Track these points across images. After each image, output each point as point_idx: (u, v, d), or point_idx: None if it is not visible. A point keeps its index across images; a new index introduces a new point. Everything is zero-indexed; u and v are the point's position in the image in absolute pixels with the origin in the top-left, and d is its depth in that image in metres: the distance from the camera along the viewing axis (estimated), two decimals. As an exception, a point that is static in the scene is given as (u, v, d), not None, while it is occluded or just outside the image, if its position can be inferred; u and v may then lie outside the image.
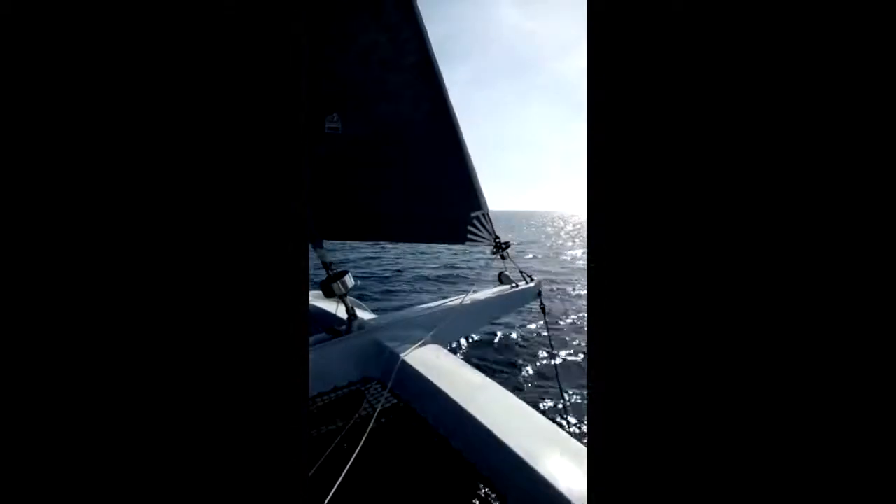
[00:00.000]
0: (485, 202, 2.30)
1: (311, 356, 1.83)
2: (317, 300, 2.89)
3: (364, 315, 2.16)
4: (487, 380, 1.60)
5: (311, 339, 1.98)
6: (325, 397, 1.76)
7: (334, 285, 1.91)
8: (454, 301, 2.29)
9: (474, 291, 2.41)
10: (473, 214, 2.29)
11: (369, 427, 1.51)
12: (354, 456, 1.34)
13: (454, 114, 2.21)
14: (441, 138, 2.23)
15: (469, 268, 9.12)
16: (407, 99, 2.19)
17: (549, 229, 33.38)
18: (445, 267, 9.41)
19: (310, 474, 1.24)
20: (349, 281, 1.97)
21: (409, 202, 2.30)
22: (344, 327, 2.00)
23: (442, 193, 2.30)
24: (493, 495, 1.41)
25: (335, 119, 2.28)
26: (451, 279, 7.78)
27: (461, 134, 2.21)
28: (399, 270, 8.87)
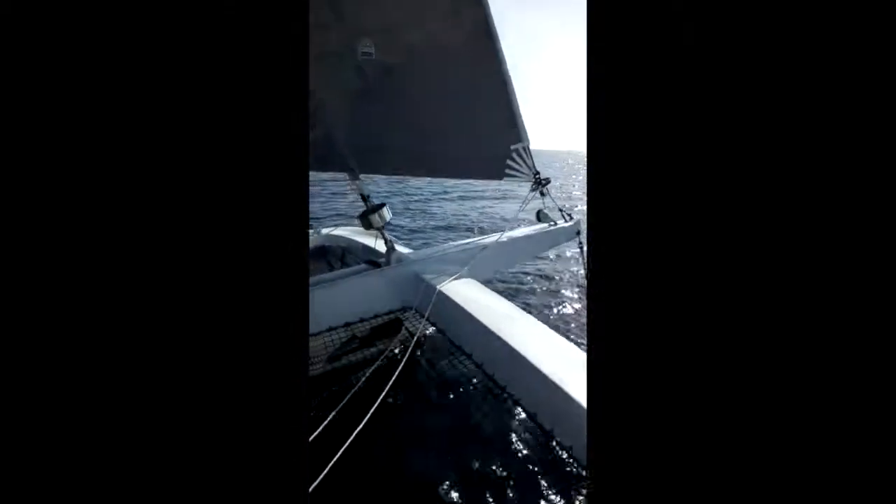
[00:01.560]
0: (525, 135, 2.19)
1: (353, 284, 1.92)
2: (355, 234, 2.98)
3: (401, 249, 2.21)
4: (518, 310, 1.64)
5: (353, 269, 2.06)
6: (367, 322, 1.87)
7: (372, 217, 1.94)
8: (490, 238, 2.28)
9: (511, 228, 2.39)
10: (513, 147, 2.20)
11: (409, 349, 1.61)
12: (396, 373, 1.44)
13: (497, 37, 2.04)
14: (481, 64, 2.10)
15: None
16: (445, 21, 2.04)
17: (580, 168, 31.82)
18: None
19: (358, 387, 1.35)
20: (387, 214, 1.99)
21: (444, 135, 2.23)
22: (383, 259, 2.06)
23: (480, 125, 2.20)
24: (522, 412, 1.49)
25: (369, 44, 2.17)
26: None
27: (503, 60, 2.06)
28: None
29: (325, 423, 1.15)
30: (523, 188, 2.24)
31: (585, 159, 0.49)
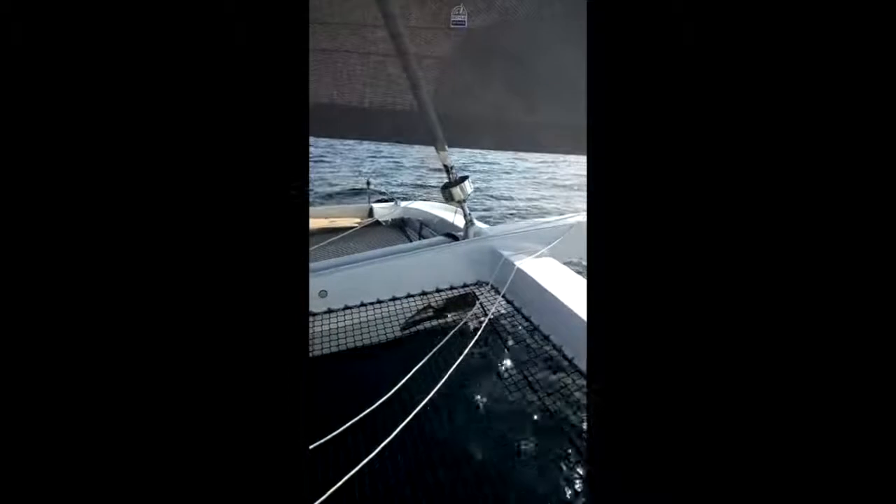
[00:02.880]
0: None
1: (431, 255, 1.94)
2: (433, 208, 3.00)
3: (479, 225, 2.18)
4: None
5: (432, 240, 2.08)
6: (442, 293, 1.88)
7: (454, 190, 1.92)
8: (575, 218, 2.16)
9: None
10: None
11: (483, 325, 1.59)
12: (467, 350, 1.44)
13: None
14: (578, 29, 1.94)
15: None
16: None
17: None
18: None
19: (428, 357, 1.37)
20: (469, 187, 1.96)
21: (534, 107, 2.11)
22: (461, 233, 2.05)
23: (575, 94, 2.05)
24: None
25: (461, 11, 2.11)
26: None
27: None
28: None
29: (380, 401, 1.16)
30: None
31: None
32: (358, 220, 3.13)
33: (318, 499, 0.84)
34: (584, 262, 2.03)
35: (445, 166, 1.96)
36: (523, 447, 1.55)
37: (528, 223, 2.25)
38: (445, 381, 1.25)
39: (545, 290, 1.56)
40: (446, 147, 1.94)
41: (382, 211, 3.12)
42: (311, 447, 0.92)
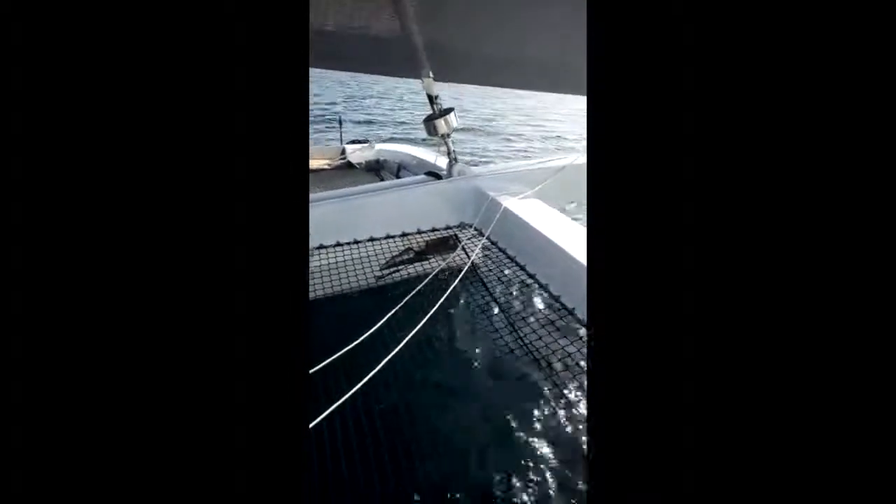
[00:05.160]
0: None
1: (412, 193, 1.81)
2: (410, 150, 2.82)
3: (463, 164, 2.04)
4: None
5: (413, 178, 1.94)
6: (424, 235, 1.78)
7: (438, 122, 1.77)
8: (562, 160, 2.06)
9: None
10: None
11: (466, 266, 1.51)
12: (448, 291, 1.36)
13: None
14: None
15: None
16: None
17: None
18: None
19: (406, 301, 1.28)
20: (453, 120, 1.81)
21: (534, 40, 1.93)
22: (444, 172, 1.92)
23: (574, 28, 1.88)
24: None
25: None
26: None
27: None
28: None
29: (367, 334, 1.09)
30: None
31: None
32: (328, 161, 2.91)
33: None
34: (569, 209, 1.95)
35: (430, 96, 1.79)
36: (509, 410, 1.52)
37: (513, 164, 2.14)
38: (425, 324, 1.17)
39: (533, 230, 1.49)
40: (431, 74, 1.75)
41: (356, 152, 2.90)
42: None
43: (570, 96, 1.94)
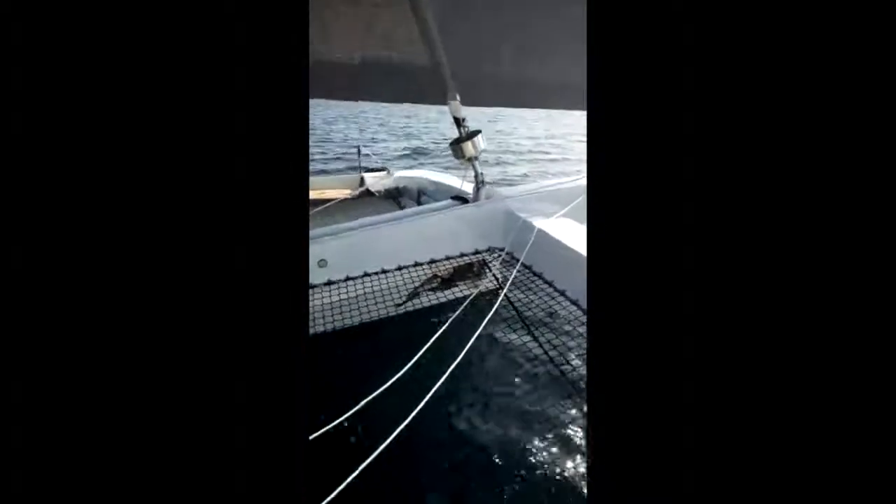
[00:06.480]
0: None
1: (438, 219, 1.74)
2: (431, 176, 2.78)
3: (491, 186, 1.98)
4: None
5: (439, 203, 1.88)
6: (453, 260, 1.69)
7: (465, 145, 1.72)
8: None
9: None
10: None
11: (502, 294, 1.41)
12: (482, 326, 1.25)
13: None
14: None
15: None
16: None
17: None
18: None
19: (440, 332, 1.17)
20: (480, 142, 1.76)
21: (540, 59, 1.90)
22: (471, 195, 1.85)
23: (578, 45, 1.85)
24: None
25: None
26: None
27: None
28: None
29: (392, 381, 0.97)
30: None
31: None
32: (348, 191, 2.88)
33: (318, 500, 0.69)
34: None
35: (456, 119, 1.74)
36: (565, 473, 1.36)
37: (541, 184, 2.06)
38: (458, 363, 1.06)
39: (572, 251, 1.39)
40: (457, 97, 1.72)
41: (374, 180, 2.87)
42: (310, 437, 0.77)
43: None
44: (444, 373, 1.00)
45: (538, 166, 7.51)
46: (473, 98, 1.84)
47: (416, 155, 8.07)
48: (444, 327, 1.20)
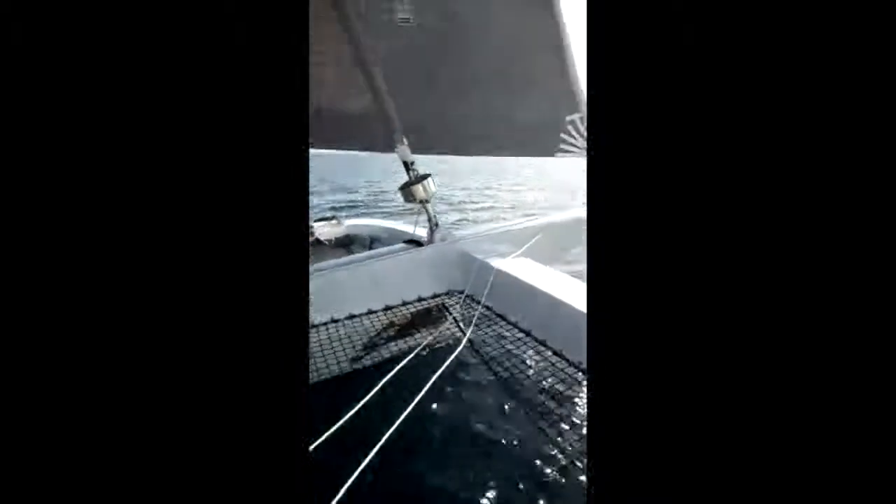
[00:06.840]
0: (583, 101, 1.95)
1: (394, 264, 1.67)
2: (382, 223, 2.74)
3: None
4: None
5: (393, 247, 1.81)
6: (410, 305, 1.61)
7: (415, 188, 1.70)
8: (550, 218, 2.02)
9: (574, 208, 2.14)
10: (569, 119, 1.96)
11: (466, 336, 1.34)
12: (442, 369, 1.16)
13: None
14: (532, 23, 1.87)
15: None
16: None
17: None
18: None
19: (386, 378, 1.06)
20: (431, 185, 1.75)
21: (492, 109, 1.99)
22: (426, 239, 1.81)
23: (531, 95, 1.96)
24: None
25: (405, 4, 1.96)
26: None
27: (559, 13, 1.84)
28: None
29: (334, 429, 0.87)
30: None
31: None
32: (296, 241, 2.75)
33: None
34: (559, 266, 1.85)
35: (405, 162, 1.74)
36: None
37: (495, 225, 2.07)
38: (419, 401, 0.96)
39: (535, 289, 1.37)
40: (405, 140, 1.72)
41: (324, 230, 2.78)
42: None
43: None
44: (395, 421, 0.89)
45: (467, 215, 7.65)
46: (423, 144, 1.86)
47: (350, 209, 8.13)
48: (389, 375, 1.10)
